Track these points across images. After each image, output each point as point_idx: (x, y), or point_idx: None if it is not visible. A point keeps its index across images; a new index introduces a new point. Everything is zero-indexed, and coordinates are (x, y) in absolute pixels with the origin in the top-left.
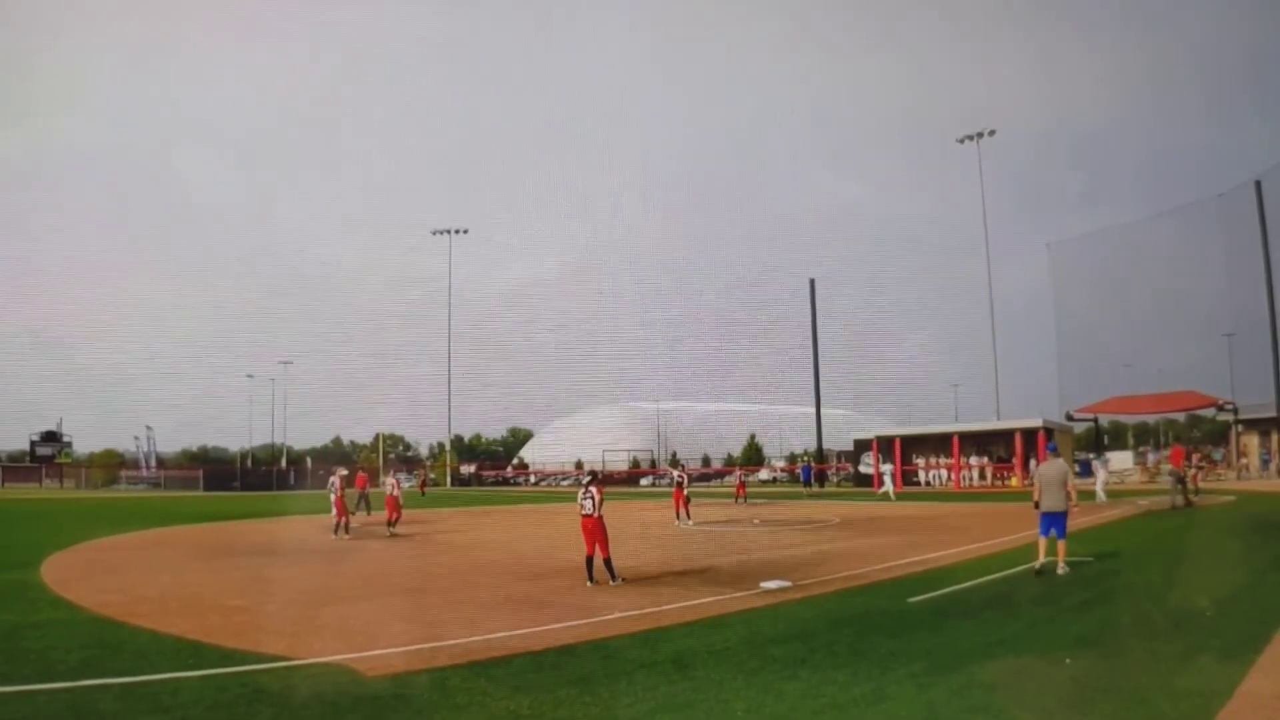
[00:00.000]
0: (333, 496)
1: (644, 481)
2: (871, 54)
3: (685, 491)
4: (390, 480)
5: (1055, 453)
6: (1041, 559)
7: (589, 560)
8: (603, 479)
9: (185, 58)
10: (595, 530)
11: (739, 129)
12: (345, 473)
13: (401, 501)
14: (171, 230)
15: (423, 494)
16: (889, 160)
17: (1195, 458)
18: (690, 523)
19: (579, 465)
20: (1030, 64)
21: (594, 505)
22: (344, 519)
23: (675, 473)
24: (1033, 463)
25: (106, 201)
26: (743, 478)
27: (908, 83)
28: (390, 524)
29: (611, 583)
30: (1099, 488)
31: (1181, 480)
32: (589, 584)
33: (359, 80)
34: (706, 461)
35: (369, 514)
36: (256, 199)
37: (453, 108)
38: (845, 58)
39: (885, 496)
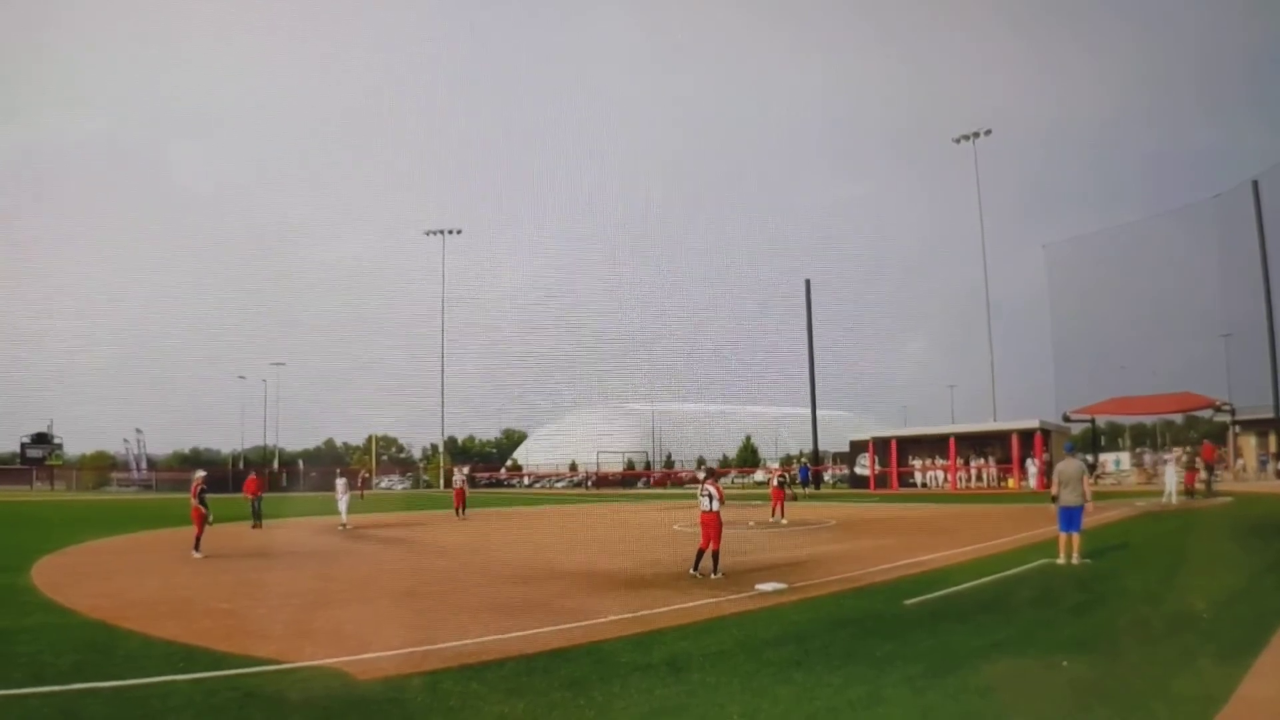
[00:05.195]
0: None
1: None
2: (869, 53)
3: (787, 491)
4: (459, 475)
5: (1072, 452)
6: (1063, 554)
7: (700, 552)
8: (719, 475)
9: (178, 56)
10: (712, 524)
11: (736, 129)
12: (204, 473)
13: (467, 494)
14: (162, 230)
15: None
16: (886, 160)
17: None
18: (784, 521)
19: (573, 467)
20: (1028, 64)
21: (711, 501)
22: (201, 531)
23: (778, 472)
24: (1030, 463)
25: (96, 200)
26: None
27: (905, 82)
28: (458, 511)
29: (713, 575)
30: (1169, 486)
31: (1210, 471)
32: (692, 573)
33: (352, 80)
34: (701, 463)
35: (258, 525)
36: (248, 199)
37: (445, 108)
38: (842, 57)
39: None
